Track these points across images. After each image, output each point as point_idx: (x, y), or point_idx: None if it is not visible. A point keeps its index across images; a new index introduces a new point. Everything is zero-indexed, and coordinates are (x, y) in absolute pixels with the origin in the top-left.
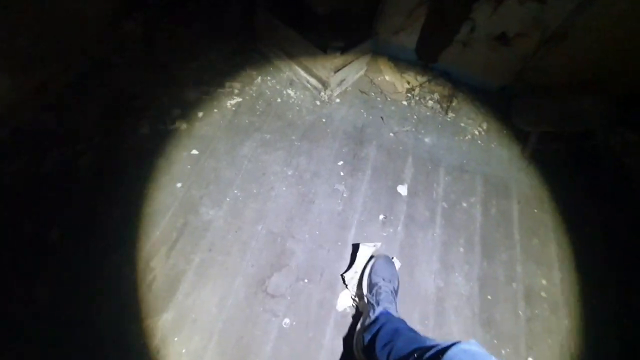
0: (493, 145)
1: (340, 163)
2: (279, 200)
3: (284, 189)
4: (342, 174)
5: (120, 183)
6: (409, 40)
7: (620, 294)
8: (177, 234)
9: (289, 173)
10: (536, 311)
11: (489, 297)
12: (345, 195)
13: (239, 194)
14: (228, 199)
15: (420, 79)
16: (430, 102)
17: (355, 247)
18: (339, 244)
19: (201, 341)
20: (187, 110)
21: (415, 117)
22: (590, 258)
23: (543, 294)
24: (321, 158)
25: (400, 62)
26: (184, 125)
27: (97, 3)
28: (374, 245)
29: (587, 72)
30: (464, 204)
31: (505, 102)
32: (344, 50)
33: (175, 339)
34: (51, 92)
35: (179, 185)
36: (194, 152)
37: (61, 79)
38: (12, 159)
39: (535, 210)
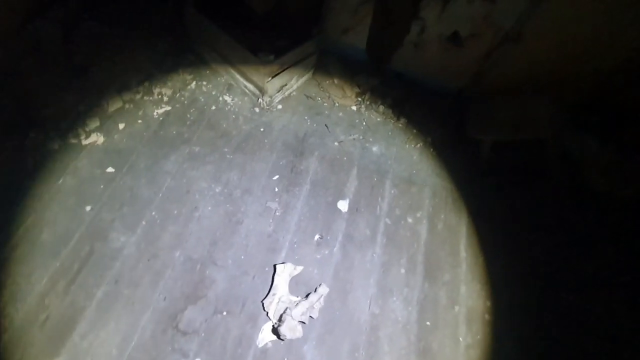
0: (446, 154)
1: (276, 177)
2: (203, 221)
3: (209, 208)
4: (276, 189)
5: (17, 207)
6: (359, 39)
7: (578, 313)
8: (79, 265)
9: (217, 190)
10: (478, 336)
11: (428, 322)
12: (278, 213)
13: (157, 216)
14: (144, 222)
15: (372, 81)
16: (382, 107)
17: (275, 268)
18: (267, 269)
19: None
20: (106, 121)
21: (364, 123)
22: (541, 277)
23: (487, 316)
24: (255, 173)
25: (351, 63)
26: (101, 139)
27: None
28: (294, 267)
29: (543, 76)
30: (409, 220)
31: (461, 106)
32: (278, 54)
33: None
34: None
35: (88, 208)
36: (110, 169)
37: None
38: None
39: (486, 224)
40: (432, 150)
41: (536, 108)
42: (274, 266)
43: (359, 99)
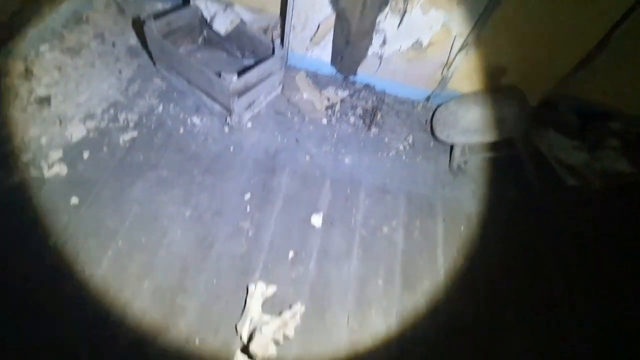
0: (418, 160)
1: (248, 197)
2: (172, 248)
3: (179, 233)
4: (248, 209)
5: None
6: (324, 54)
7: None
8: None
9: (187, 214)
10: (460, 346)
11: (408, 334)
12: (250, 234)
13: (123, 246)
14: (109, 253)
15: (342, 93)
16: (352, 118)
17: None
18: (240, 293)
19: None
20: (70, 150)
21: (335, 135)
22: (520, 278)
23: (469, 323)
24: (225, 193)
25: (319, 77)
26: (64, 170)
27: None
28: (266, 286)
29: (505, 77)
30: (385, 229)
31: (431, 112)
32: (241, 73)
33: None
34: None
35: (51, 242)
36: (74, 200)
37: None
38: None
39: (462, 228)
40: (404, 157)
41: (501, 109)
42: (247, 287)
43: (329, 111)
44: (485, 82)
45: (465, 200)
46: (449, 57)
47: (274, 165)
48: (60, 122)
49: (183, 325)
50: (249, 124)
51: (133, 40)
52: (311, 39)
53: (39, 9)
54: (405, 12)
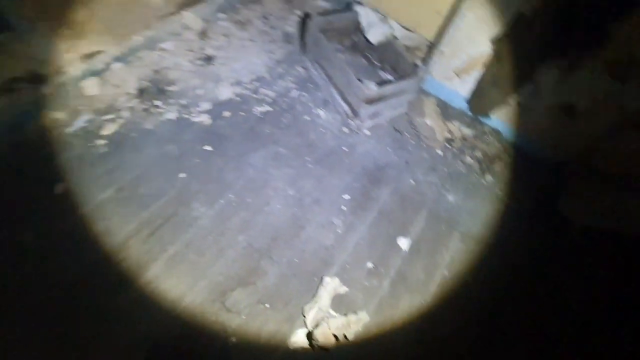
0: (525, 227)
1: (347, 197)
2: (270, 217)
3: (278, 206)
4: (344, 208)
5: (129, 160)
6: (463, 87)
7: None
8: (162, 221)
9: (290, 193)
10: None
11: None
12: (339, 231)
13: (233, 199)
14: (222, 201)
15: (466, 131)
16: (469, 159)
17: (322, 280)
18: (315, 278)
19: None
20: (216, 106)
21: (446, 170)
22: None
23: None
24: (328, 187)
25: (448, 108)
26: (208, 121)
27: None
28: (340, 284)
29: None
30: (469, 280)
31: (557, 180)
32: (381, 84)
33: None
34: None
35: (182, 175)
36: (208, 147)
37: None
38: None
39: (554, 314)
40: (513, 217)
41: None
42: (322, 277)
43: (448, 145)
44: (636, 169)
45: (568, 282)
46: (602, 130)
47: (379, 177)
48: (215, 80)
49: (261, 286)
50: (367, 132)
51: (290, 28)
52: (455, 70)
53: None
54: (573, 69)
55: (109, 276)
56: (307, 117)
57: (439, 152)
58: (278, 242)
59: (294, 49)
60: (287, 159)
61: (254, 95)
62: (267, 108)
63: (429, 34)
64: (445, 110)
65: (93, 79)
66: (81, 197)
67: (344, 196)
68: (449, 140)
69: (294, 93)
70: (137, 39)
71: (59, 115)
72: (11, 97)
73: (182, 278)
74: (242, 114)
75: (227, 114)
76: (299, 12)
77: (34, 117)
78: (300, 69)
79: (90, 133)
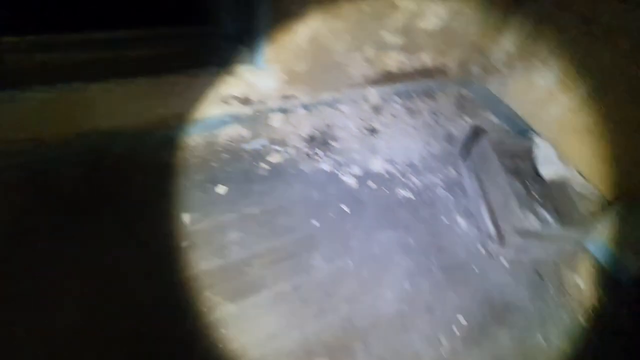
0: None
1: (462, 320)
2: (379, 301)
3: (390, 294)
4: (455, 330)
5: (275, 189)
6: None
7: None
8: (285, 255)
9: (405, 287)
10: None
11: None
12: (444, 353)
13: (351, 265)
14: (340, 263)
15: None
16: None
17: None
18: None
19: None
20: (364, 174)
21: (586, 346)
22: None
23: None
24: (446, 300)
25: (608, 273)
26: (354, 183)
27: None
28: None
29: None
30: None
31: None
32: (543, 221)
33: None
34: None
35: (315, 222)
36: (345, 207)
37: None
38: None
39: None
40: None
41: None
42: None
43: (594, 312)
44: None
45: None
46: None
47: (503, 316)
48: (372, 152)
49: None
50: (506, 264)
51: (455, 130)
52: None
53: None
54: None
55: (224, 284)
56: (445, 220)
57: (580, 317)
58: (377, 330)
59: (453, 150)
60: (413, 252)
61: (402, 178)
62: (409, 194)
63: (609, 193)
64: (604, 274)
65: (280, 114)
66: (232, 204)
67: (459, 317)
68: (595, 309)
69: (440, 191)
70: (326, 96)
71: (244, 132)
72: (223, 107)
73: (279, 318)
74: (386, 190)
75: (372, 184)
76: (467, 119)
77: (226, 126)
78: (452, 171)
79: (259, 155)
